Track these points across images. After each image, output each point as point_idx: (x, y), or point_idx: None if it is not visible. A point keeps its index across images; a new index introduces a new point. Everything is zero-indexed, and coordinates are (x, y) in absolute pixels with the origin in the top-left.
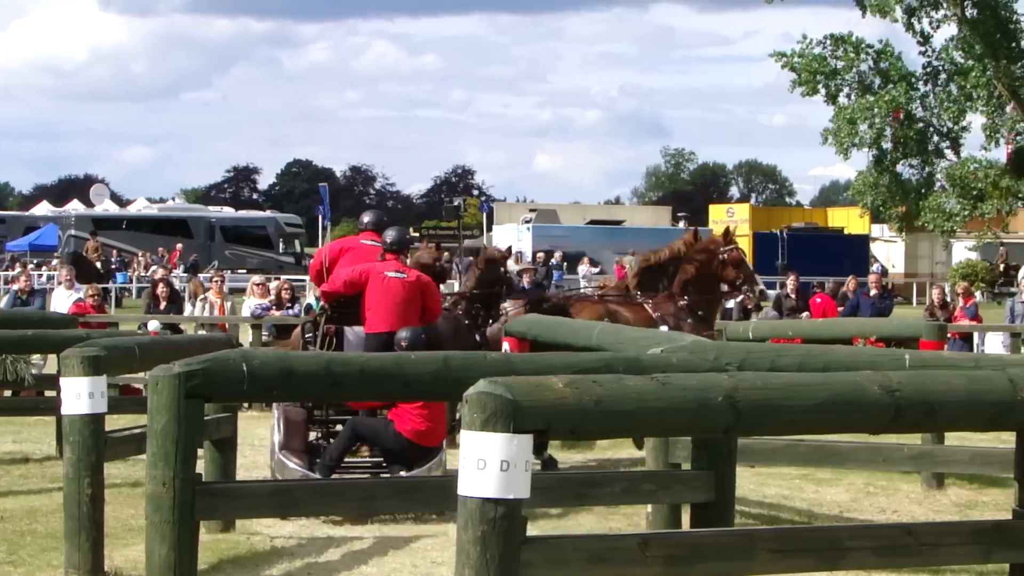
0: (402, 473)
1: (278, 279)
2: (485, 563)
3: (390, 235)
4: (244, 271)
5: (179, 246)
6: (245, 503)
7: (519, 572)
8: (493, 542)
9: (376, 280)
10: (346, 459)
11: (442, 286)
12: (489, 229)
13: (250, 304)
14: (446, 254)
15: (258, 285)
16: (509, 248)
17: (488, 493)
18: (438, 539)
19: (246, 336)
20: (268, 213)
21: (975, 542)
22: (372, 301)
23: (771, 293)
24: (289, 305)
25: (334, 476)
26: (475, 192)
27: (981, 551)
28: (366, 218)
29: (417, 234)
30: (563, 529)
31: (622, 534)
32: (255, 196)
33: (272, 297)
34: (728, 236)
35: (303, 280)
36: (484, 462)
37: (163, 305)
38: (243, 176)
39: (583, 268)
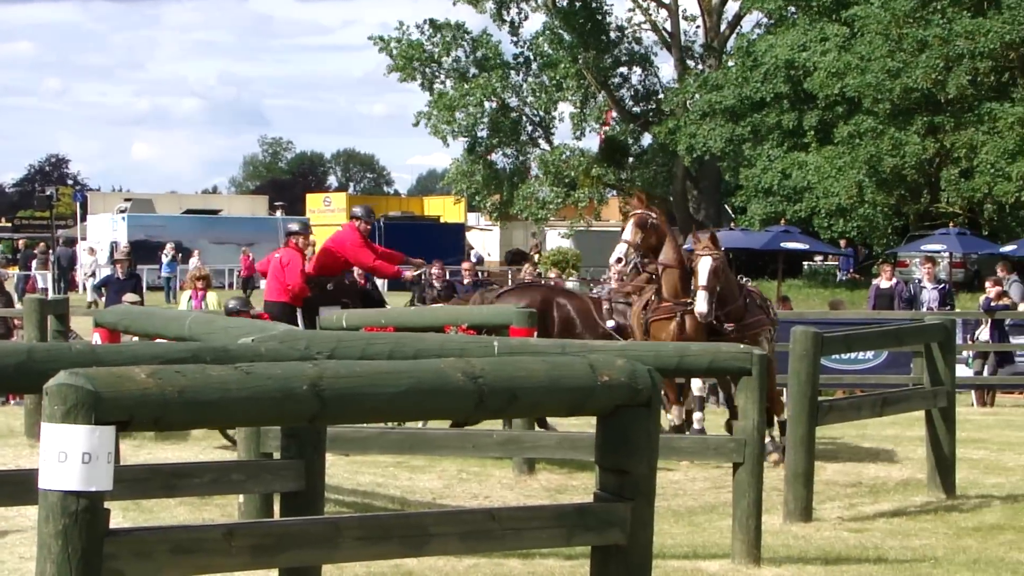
0: None
1: None
2: (67, 557)
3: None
4: None
5: None
6: None
7: (102, 565)
8: (75, 535)
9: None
10: None
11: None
12: (83, 219)
13: None
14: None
15: None
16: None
17: (69, 486)
18: (27, 534)
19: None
20: None
21: (557, 525)
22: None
23: None
24: None
25: None
26: (69, 182)
27: (563, 534)
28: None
29: (10, 224)
30: (159, 521)
31: (207, 525)
32: None
33: None
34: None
35: None
36: (65, 455)
37: None
38: None
39: (193, 260)
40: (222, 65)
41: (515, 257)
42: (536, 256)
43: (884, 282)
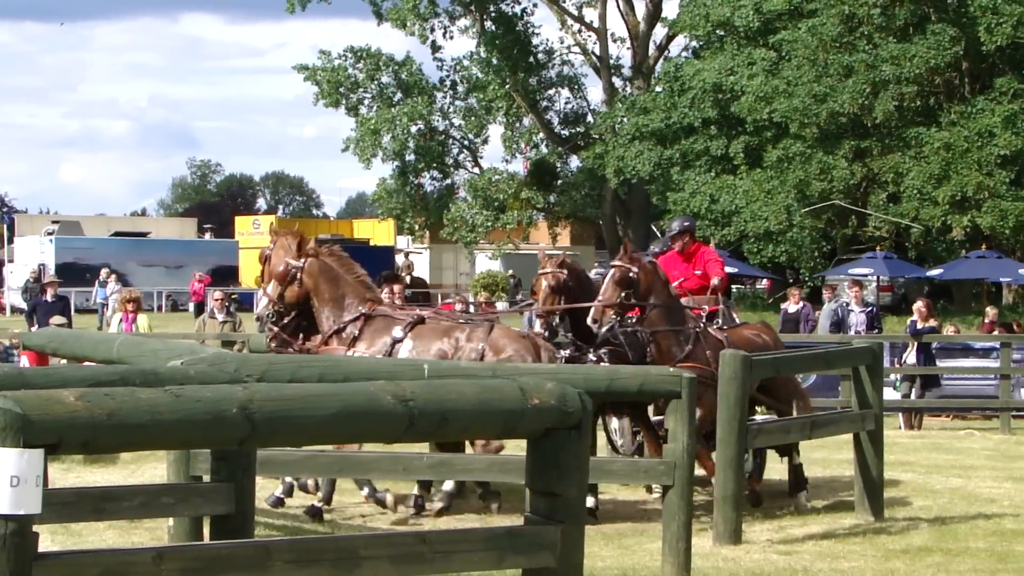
0: None
1: None
2: None
3: None
4: None
5: None
6: None
7: None
8: (3, 559)
9: None
10: None
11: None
12: (11, 241)
13: None
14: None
15: None
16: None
17: None
18: None
19: None
20: None
21: (488, 548)
22: None
23: None
24: None
25: None
26: None
27: (494, 557)
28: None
29: None
30: (88, 545)
31: (137, 548)
32: None
33: None
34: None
35: None
36: None
37: None
38: None
39: (111, 284)
40: (153, 87)
41: (388, 278)
42: (408, 277)
43: (792, 306)
